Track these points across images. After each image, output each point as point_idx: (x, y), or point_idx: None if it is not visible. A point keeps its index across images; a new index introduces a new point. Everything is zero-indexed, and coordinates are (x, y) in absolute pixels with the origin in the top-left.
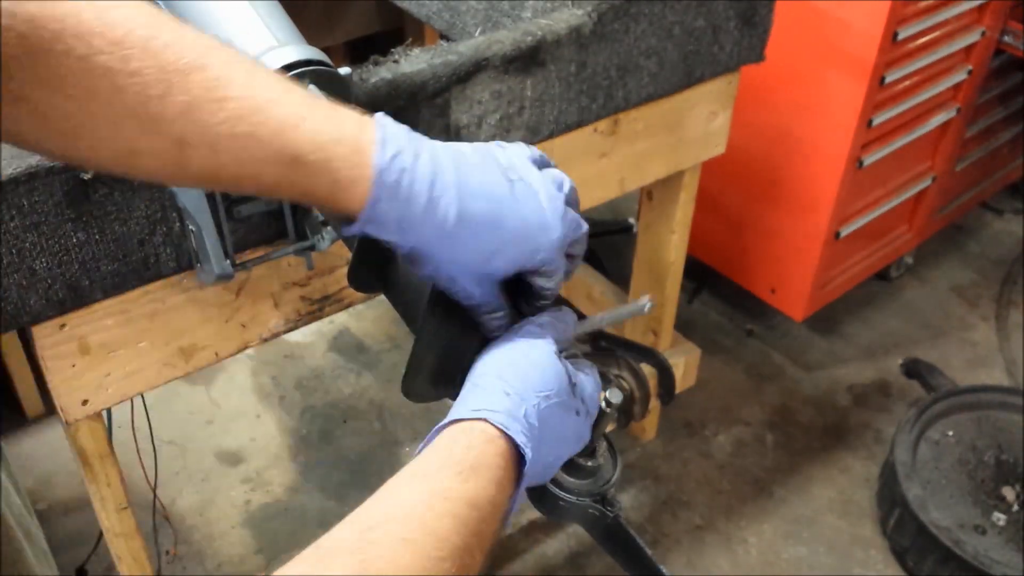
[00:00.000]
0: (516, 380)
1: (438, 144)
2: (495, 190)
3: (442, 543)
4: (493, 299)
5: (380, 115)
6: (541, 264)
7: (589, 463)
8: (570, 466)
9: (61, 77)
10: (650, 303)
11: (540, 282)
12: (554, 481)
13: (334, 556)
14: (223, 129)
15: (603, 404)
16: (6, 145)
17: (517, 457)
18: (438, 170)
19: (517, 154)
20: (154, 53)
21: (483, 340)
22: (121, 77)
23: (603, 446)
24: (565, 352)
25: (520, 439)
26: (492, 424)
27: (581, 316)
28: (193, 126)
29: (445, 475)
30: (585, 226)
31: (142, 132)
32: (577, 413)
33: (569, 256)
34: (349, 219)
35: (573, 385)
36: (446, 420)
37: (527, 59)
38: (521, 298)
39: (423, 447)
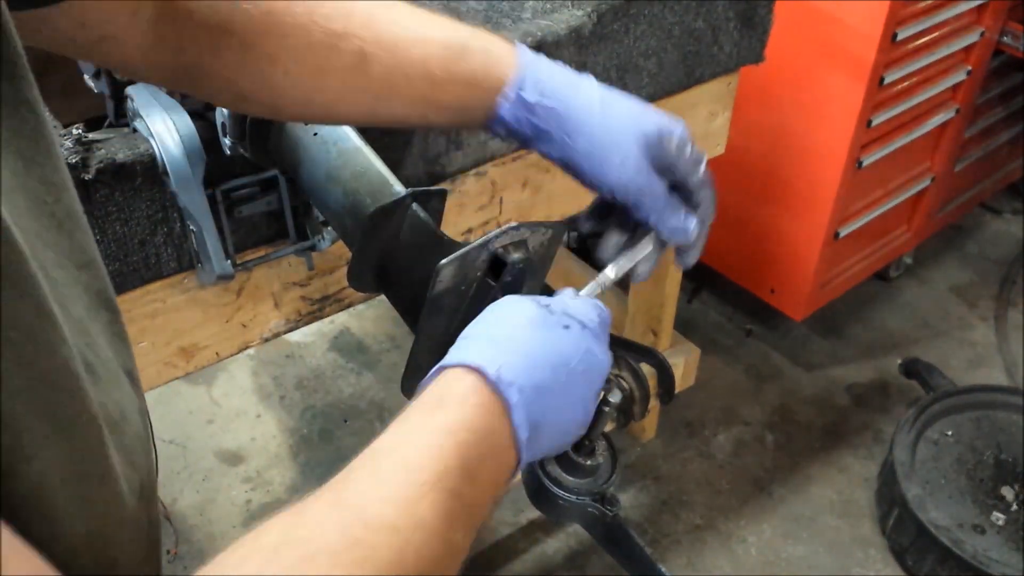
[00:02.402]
0: (474, 329)
1: None
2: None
3: (417, 471)
4: (643, 176)
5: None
6: (683, 167)
7: (588, 462)
8: (570, 465)
9: (266, 6)
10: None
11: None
12: (553, 480)
13: (314, 500)
14: (399, 33)
15: (602, 404)
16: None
17: (494, 385)
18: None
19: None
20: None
21: None
22: (318, 23)
23: (602, 445)
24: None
25: (473, 359)
26: (451, 365)
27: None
28: (374, 35)
29: (413, 415)
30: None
31: (331, 48)
32: (566, 328)
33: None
34: (492, 119)
35: (546, 306)
36: (418, 387)
37: None
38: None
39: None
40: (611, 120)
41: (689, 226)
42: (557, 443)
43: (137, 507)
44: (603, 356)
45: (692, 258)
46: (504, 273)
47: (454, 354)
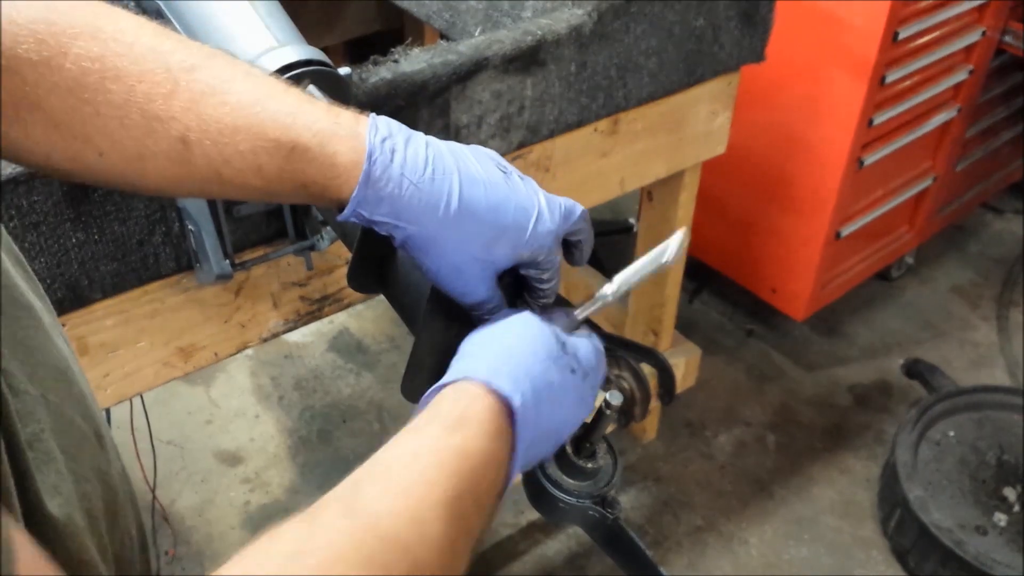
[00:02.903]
0: (498, 346)
1: (431, 137)
2: (493, 177)
3: (432, 489)
4: (494, 295)
5: (375, 114)
6: (538, 252)
7: (589, 465)
8: (570, 467)
9: (75, 79)
10: (679, 243)
11: (536, 275)
12: (553, 482)
13: (325, 506)
14: (226, 121)
15: (603, 406)
16: None
17: (508, 412)
18: (437, 155)
19: (496, 153)
20: (162, 55)
21: None
22: (132, 78)
23: (603, 447)
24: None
25: (505, 388)
26: (475, 380)
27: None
28: (197, 120)
29: (432, 429)
30: (580, 208)
31: (149, 132)
32: (573, 371)
33: (574, 243)
34: (344, 208)
35: (562, 344)
36: (430, 390)
37: (527, 59)
38: (519, 299)
39: (413, 415)
40: (461, 241)
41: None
42: (521, 469)
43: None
44: (590, 405)
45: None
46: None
47: (477, 366)
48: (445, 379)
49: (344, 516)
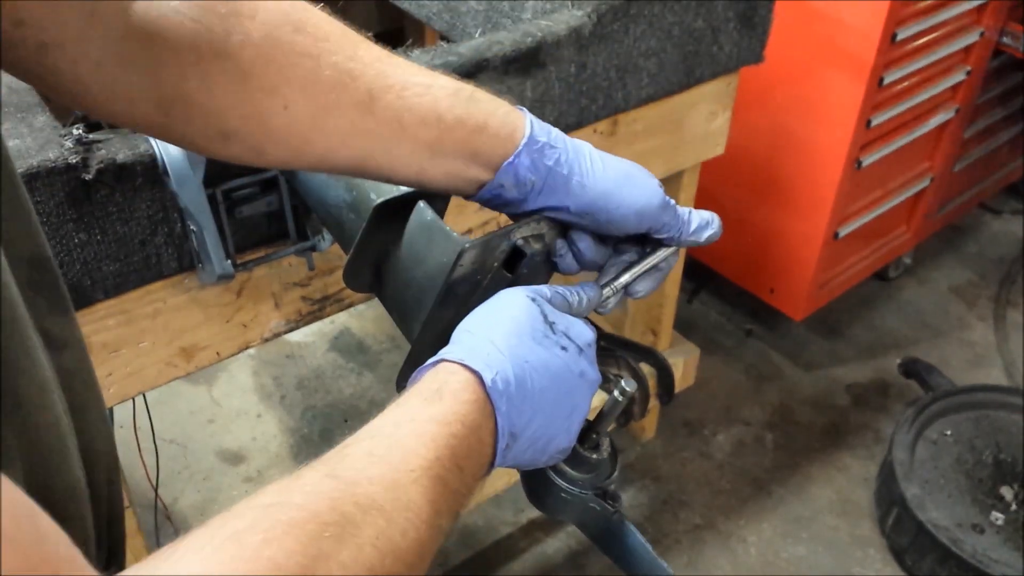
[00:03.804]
0: (479, 325)
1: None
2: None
3: (408, 455)
4: (663, 201)
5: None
6: (658, 219)
7: (593, 456)
8: (574, 457)
9: (269, 31)
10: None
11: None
12: (557, 471)
13: (311, 468)
14: (408, 75)
15: (617, 394)
16: (7, 145)
17: (485, 386)
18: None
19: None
20: (346, 40)
21: None
22: (320, 32)
23: (606, 441)
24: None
25: (476, 365)
26: (451, 360)
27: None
28: (381, 77)
29: (412, 401)
30: (671, 202)
31: (339, 85)
32: (564, 348)
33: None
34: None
35: (551, 324)
36: (416, 371)
37: (527, 60)
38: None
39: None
40: (618, 161)
41: (713, 221)
42: (531, 458)
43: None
44: (594, 376)
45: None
46: (521, 265)
47: (455, 349)
48: (428, 361)
49: (326, 477)
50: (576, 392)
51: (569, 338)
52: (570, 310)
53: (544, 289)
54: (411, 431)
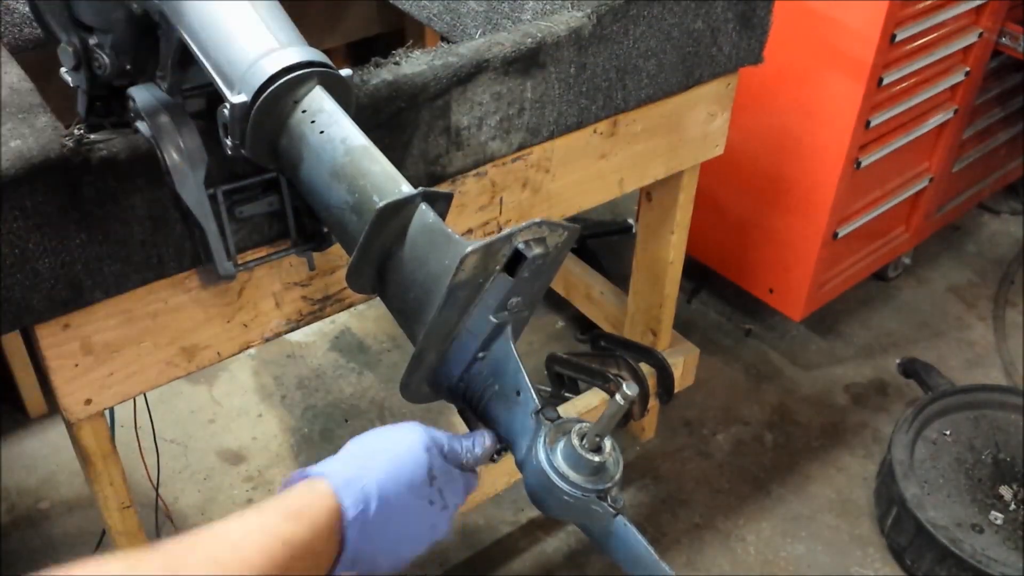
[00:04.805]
0: (368, 457)
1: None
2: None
3: (244, 568)
4: None
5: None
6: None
7: (596, 458)
8: (576, 461)
9: None
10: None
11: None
12: (560, 475)
13: (154, 554)
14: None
15: (619, 398)
16: (7, 145)
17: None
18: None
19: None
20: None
21: (484, 345)
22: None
23: (609, 443)
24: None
25: (346, 501)
26: (327, 482)
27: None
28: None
29: (270, 513)
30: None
31: None
32: (431, 503)
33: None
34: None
35: (432, 477)
36: (296, 473)
37: (527, 61)
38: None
39: (280, 490)
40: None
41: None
42: (363, 571)
43: None
44: (445, 530)
45: None
46: (522, 268)
47: (338, 469)
48: (310, 469)
49: (162, 569)
50: (423, 537)
51: (442, 496)
52: (461, 465)
53: (442, 438)
54: (257, 546)
